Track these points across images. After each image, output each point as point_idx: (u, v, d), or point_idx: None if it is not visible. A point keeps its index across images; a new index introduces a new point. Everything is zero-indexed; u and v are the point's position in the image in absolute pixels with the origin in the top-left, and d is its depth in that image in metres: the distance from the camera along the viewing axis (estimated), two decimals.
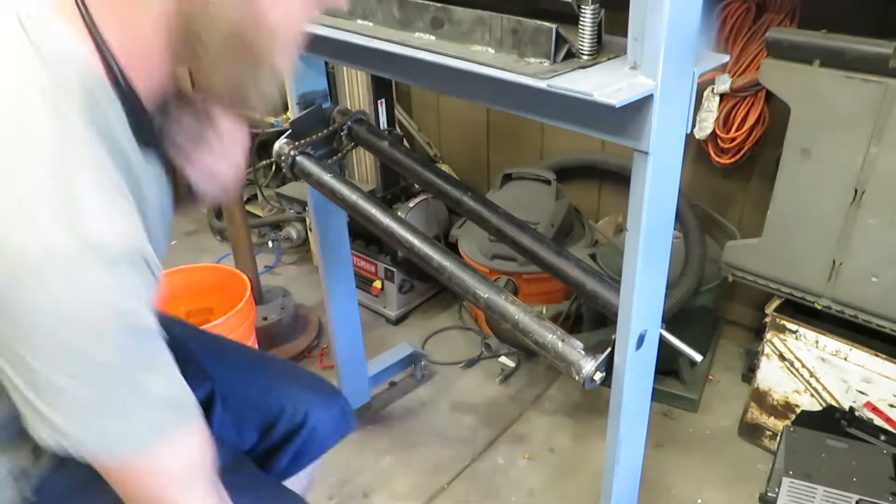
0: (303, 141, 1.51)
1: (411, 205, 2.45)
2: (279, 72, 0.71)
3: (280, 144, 1.52)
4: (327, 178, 1.46)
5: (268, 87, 0.71)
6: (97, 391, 0.61)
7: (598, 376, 1.07)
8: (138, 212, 0.63)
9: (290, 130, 1.53)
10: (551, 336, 1.11)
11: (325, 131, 1.55)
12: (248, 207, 2.87)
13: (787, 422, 1.69)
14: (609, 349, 1.07)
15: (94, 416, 0.62)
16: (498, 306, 1.17)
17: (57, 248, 0.55)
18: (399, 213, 2.38)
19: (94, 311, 0.58)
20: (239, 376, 1.16)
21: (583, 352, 1.08)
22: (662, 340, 1.14)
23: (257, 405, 1.15)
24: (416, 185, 2.60)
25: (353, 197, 1.41)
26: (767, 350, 1.81)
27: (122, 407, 0.63)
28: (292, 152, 1.50)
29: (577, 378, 1.07)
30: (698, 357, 1.12)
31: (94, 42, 0.60)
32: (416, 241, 1.33)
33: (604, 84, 0.86)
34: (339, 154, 1.58)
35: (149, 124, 0.69)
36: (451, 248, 2.44)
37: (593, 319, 2.13)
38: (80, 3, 0.59)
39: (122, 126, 0.64)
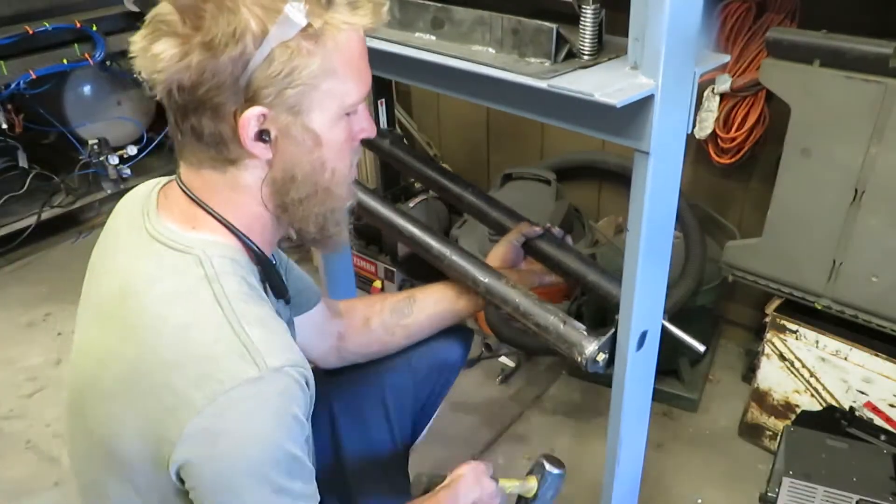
0: None
1: (411, 204, 2.45)
2: (346, 203, 0.92)
3: None
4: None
5: (342, 219, 0.93)
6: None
7: (602, 358, 1.06)
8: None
9: None
10: (553, 318, 1.10)
11: None
12: None
13: (787, 422, 1.69)
14: (612, 330, 1.05)
15: None
16: (498, 291, 1.17)
17: (248, 376, 0.74)
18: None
19: (276, 431, 0.76)
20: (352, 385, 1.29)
21: (585, 332, 1.07)
22: (665, 332, 1.13)
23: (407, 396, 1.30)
24: (417, 185, 2.60)
25: (353, 189, 1.41)
26: (767, 350, 1.81)
27: None
28: None
29: (579, 359, 1.06)
30: (701, 347, 1.11)
31: (231, 232, 0.85)
32: (415, 231, 1.32)
33: (604, 84, 0.86)
34: None
35: (279, 279, 0.93)
36: None
37: (593, 319, 2.13)
38: (210, 211, 0.84)
39: (259, 283, 0.88)
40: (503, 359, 2.30)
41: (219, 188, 0.84)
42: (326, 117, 0.82)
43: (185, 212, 0.86)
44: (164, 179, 0.94)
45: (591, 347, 1.05)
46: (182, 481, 0.78)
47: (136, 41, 0.77)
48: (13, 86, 2.52)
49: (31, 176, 2.93)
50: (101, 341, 0.85)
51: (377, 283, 2.51)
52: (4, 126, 2.73)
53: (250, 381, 0.74)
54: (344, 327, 1.27)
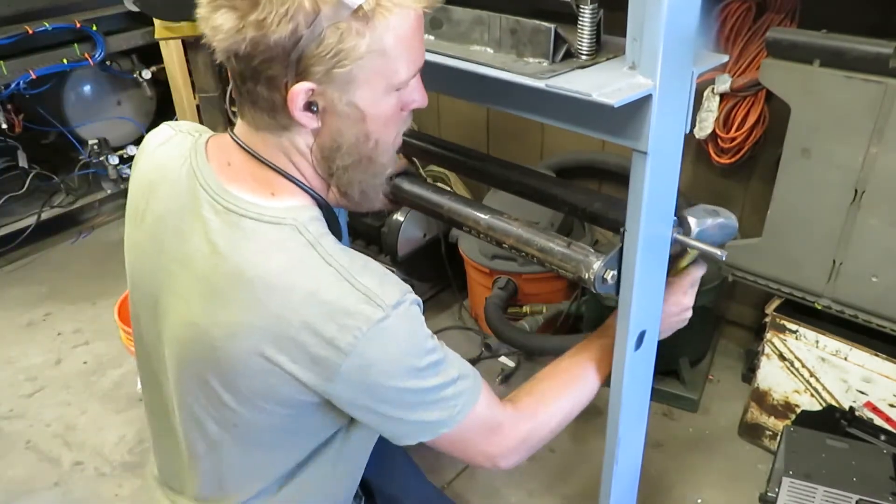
0: None
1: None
2: (388, 170, 0.98)
3: None
4: None
5: (381, 184, 0.99)
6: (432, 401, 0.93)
7: (611, 276, 1.03)
8: None
9: None
10: (556, 240, 1.09)
11: None
12: None
13: (787, 422, 1.69)
14: (619, 246, 1.02)
15: (431, 417, 0.94)
16: (499, 226, 1.17)
17: (375, 317, 0.84)
18: (399, 214, 2.39)
19: (409, 348, 0.89)
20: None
21: (591, 250, 1.05)
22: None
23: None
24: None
25: (405, 185, 1.38)
26: (767, 350, 1.81)
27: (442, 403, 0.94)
28: None
29: (587, 276, 1.03)
30: (723, 255, 1.06)
31: (304, 191, 0.92)
32: (415, 188, 1.31)
33: (602, 84, 0.86)
34: None
35: (336, 223, 0.98)
36: (452, 248, 2.46)
37: (593, 319, 2.13)
38: (284, 174, 0.91)
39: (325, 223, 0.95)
40: (503, 359, 2.30)
41: (278, 150, 0.90)
42: (373, 93, 0.86)
43: (257, 178, 0.90)
44: (203, 135, 0.99)
45: (598, 263, 1.02)
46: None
47: (201, 8, 0.82)
48: (13, 86, 2.52)
49: (31, 176, 2.93)
50: (217, 316, 0.89)
51: None
52: (4, 126, 2.73)
53: (381, 320, 0.85)
54: None
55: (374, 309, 0.85)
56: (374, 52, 0.82)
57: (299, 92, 0.82)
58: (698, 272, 1.20)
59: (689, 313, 1.23)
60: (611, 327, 1.13)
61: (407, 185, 1.32)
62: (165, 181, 0.97)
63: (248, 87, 0.85)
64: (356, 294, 0.85)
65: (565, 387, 1.12)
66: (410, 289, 0.92)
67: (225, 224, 0.89)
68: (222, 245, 0.88)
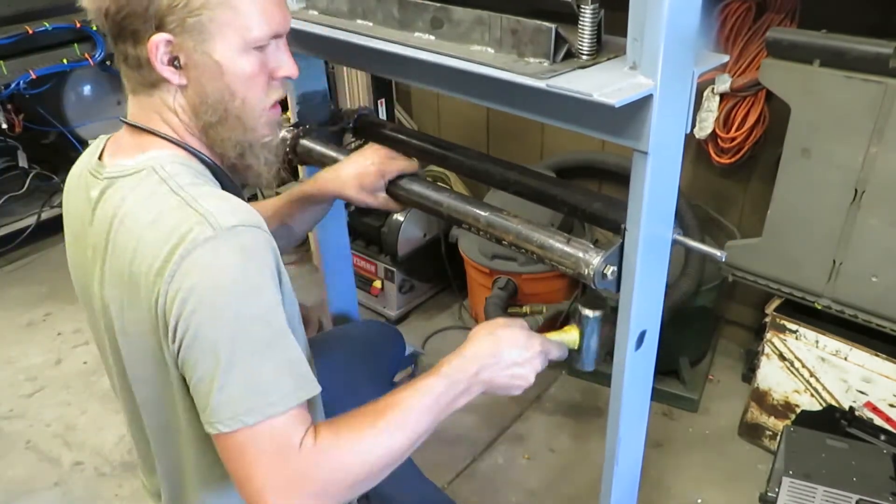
0: (307, 126, 1.51)
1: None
2: (266, 138, 0.99)
3: (284, 132, 1.52)
4: (332, 152, 1.46)
5: (263, 154, 0.99)
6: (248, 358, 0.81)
7: (611, 271, 1.02)
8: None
9: (296, 122, 1.54)
10: (556, 237, 1.09)
11: (332, 128, 1.55)
12: None
13: (787, 422, 1.70)
14: (620, 242, 1.01)
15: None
16: (498, 223, 1.17)
17: (205, 236, 0.81)
18: (399, 214, 2.39)
19: (237, 276, 0.82)
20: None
21: (590, 246, 1.04)
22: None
23: None
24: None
25: (413, 186, 1.37)
26: (767, 350, 1.81)
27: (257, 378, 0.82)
28: (298, 131, 1.50)
29: (585, 272, 1.02)
30: (722, 255, 1.06)
31: (175, 144, 0.94)
32: (414, 186, 1.32)
33: (603, 84, 0.86)
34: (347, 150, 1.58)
35: (230, 181, 1.00)
36: (452, 248, 2.46)
37: None
38: (151, 130, 0.94)
39: (214, 182, 0.96)
40: None
41: (151, 111, 0.94)
42: (229, 47, 0.90)
43: (131, 143, 0.95)
44: (103, 137, 1.03)
45: (597, 259, 1.01)
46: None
47: None
48: (13, 86, 2.52)
49: (31, 176, 2.93)
50: (105, 275, 0.92)
51: (377, 283, 2.51)
52: (4, 126, 2.73)
53: (207, 239, 0.81)
54: None
55: (203, 228, 0.82)
56: (222, 4, 0.88)
57: (157, 43, 0.87)
58: (558, 353, 1.08)
59: (522, 384, 1.02)
60: (444, 365, 0.98)
61: (411, 186, 1.33)
62: (69, 190, 1.03)
63: (120, 47, 0.90)
64: (193, 215, 0.84)
65: (383, 431, 0.91)
66: (263, 224, 0.88)
67: (102, 193, 0.93)
68: (100, 210, 0.93)
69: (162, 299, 0.82)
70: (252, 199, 3.03)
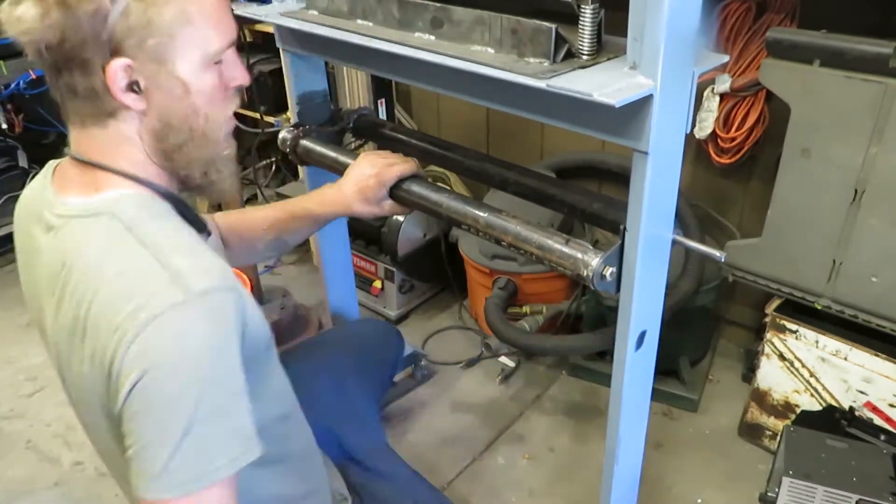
0: (308, 126, 1.52)
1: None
2: (226, 150, 0.96)
3: (284, 133, 1.52)
4: (332, 153, 1.46)
5: (226, 168, 0.97)
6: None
7: (610, 273, 1.02)
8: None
9: (296, 122, 1.54)
10: (555, 238, 1.09)
11: (332, 128, 1.55)
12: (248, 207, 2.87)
13: (787, 422, 1.69)
14: (619, 243, 1.02)
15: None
16: (498, 224, 1.17)
17: (174, 301, 0.77)
18: (399, 214, 2.39)
19: (204, 348, 0.78)
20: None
21: (589, 247, 1.05)
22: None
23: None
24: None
25: (414, 187, 1.38)
26: (767, 350, 1.81)
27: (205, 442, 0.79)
28: (299, 132, 1.50)
29: (584, 273, 1.03)
30: (721, 256, 1.06)
31: (130, 180, 0.89)
32: (413, 186, 1.32)
33: (603, 84, 0.86)
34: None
35: (193, 213, 0.95)
36: (452, 248, 2.46)
37: (593, 319, 2.13)
38: (104, 166, 0.89)
39: (177, 217, 0.92)
40: (503, 359, 2.30)
41: (106, 144, 0.89)
42: (192, 65, 0.87)
43: (83, 181, 0.90)
44: (51, 164, 0.98)
45: (596, 260, 1.02)
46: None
47: (3, 7, 0.81)
48: (13, 86, 2.52)
49: (30, 176, 2.92)
50: (56, 317, 0.88)
51: (377, 283, 2.51)
52: (4, 126, 2.72)
53: (176, 305, 0.77)
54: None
55: (174, 292, 0.78)
56: (182, 20, 0.84)
57: (117, 69, 0.82)
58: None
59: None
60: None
61: (412, 188, 1.33)
62: (19, 218, 1.00)
63: (65, 79, 0.84)
64: (162, 274, 0.80)
65: None
66: (235, 282, 0.85)
67: (53, 232, 0.89)
68: (49, 250, 0.89)
69: (119, 359, 0.77)
70: (252, 199, 3.03)
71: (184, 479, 0.78)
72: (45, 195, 0.93)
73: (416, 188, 1.33)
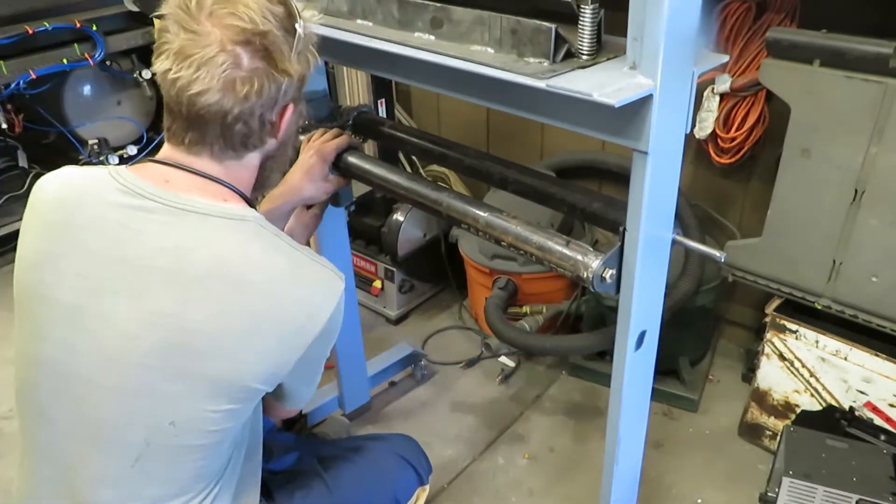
0: (308, 124, 1.52)
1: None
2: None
3: None
4: None
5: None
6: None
7: (610, 275, 1.03)
8: None
9: None
10: (555, 239, 1.09)
11: (331, 125, 1.55)
12: None
13: (787, 422, 1.69)
14: (619, 244, 1.02)
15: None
16: (498, 224, 1.17)
17: (341, 287, 1.01)
18: (399, 214, 2.39)
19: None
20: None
21: (589, 249, 1.05)
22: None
23: None
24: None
25: (351, 158, 1.43)
26: (767, 350, 1.81)
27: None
28: (299, 130, 1.50)
29: (584, 275, 1.03)
30: (721, 256, 1.06)
31: (244, 199, 1.02)
32: (413, 184, 1.33)
33: (603, 84, 0.86)
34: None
35: None
36: (452, 248, 2.46)
37: (593, 319, 2.13)
38: (230, 187, 1.00)
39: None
40: (503, 359, 2.30)
41: (233, 168, 1.00)
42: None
43: (206, 189, 0.98)
44: (111, 165, 1.02)
45: (596, 262, 1.02)
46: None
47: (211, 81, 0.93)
48: (13, 86, 2.52)
49: (30, 176, 2.93)
50: (194, 303, 0.92)
51: (377, 283, 2.51)
52: (4, 126, 2.72)
53: (344, 290, 1.01)
54: None
55: (340, 281, 1.00)
56: (314, 63, 1.00)
57: (290, 114, 1.00)
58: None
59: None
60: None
61: (350, 160, 1.40)
62: (88, 195, 0.96)
63: (236, 128, 0.95)
64: (324, 271, 1.00)
65: None
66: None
67: (185, 223, 0.94)
68: (190, 240, 0.93)
69: (308, 334, 0.97)
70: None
71: (302, 403, 1.16)
72: (139, 185, 0.96)
73: (353, 160, 1.40)
